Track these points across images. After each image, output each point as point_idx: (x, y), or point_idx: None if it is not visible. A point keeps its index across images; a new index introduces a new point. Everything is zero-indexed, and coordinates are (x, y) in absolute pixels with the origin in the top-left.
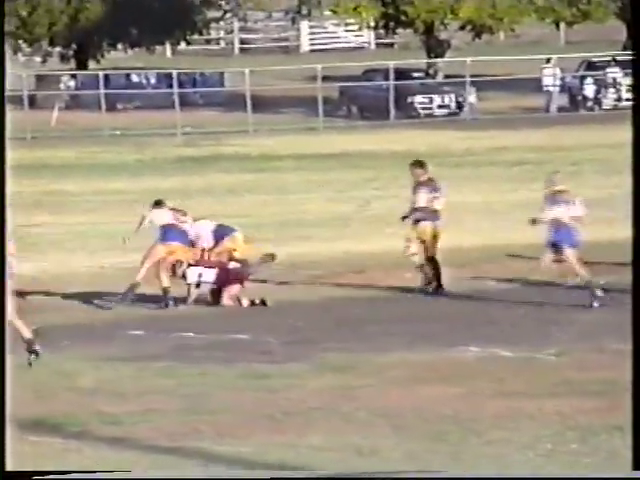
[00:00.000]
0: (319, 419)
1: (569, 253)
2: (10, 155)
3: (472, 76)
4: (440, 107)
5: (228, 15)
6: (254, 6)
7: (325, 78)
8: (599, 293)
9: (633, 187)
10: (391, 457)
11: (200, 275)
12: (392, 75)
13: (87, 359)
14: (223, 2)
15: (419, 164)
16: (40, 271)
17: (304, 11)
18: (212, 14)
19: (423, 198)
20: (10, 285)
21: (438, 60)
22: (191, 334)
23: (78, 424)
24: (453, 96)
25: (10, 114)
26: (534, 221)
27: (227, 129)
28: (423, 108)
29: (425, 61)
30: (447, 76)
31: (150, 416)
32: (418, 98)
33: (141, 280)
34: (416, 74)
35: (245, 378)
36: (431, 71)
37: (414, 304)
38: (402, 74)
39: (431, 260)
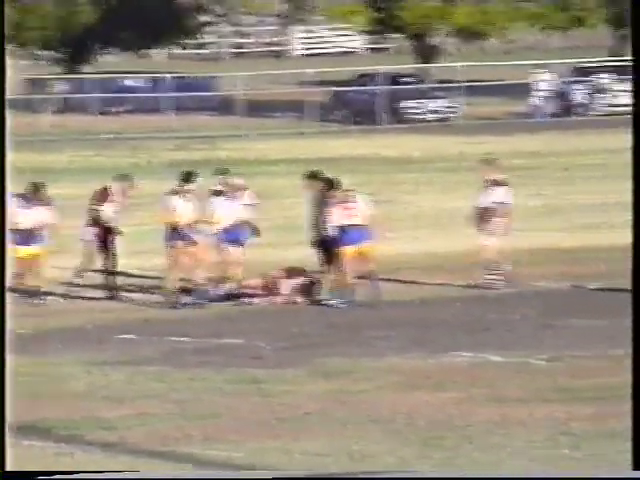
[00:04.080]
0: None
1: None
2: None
3: (464, 81)
4: (432, 112)
5: (221, 19)
6: (246, 10)
7: (317, 82)
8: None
9: (633, 190)
10: (384, 462)
11: None
12: (384, 80)
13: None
14: (216, 7)
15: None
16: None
17: (296, 16)
18: (205, 18)
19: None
20: None
21: (430, 65)
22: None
23: (71, 428)
24: (445, 101)
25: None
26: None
27: (220, 133)
28: (415, 113)
29: (417, 66)
30: (439, 81)
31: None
32: (410, 103)
33: None
34: (408, 79)
35: (238, 383)
36: (423, 76)
37: (408, 310)
38: (394, 79)
39: None
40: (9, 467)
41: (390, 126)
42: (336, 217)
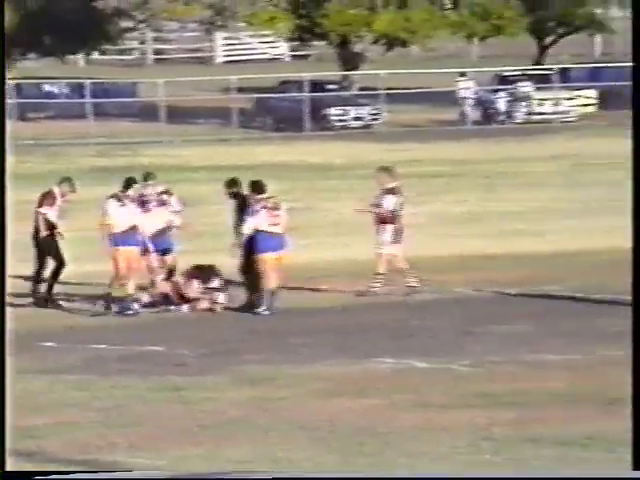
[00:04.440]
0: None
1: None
2: None
3: (387, 89)
4: (355, 119)
5: (142, 25)
6: (168, 16)
7: (240, 89)
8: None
9: (633, 190)
10: (307, 469)
11: None
12: (307, 87)
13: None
14: (136, 12)
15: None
16: None
17: (218, 22)
18: (125, 24)
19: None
20: None
21: (353, 72)
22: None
23: None
24: (368, 108)
25: None
26: None
27: (141, 139)
28: (338, 120)
29: (340, 73)
30: (362, 88)
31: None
32: (333, 110)
33: None
34: (331, 86)
35: (160, 390)
36: (346, 83)
37: (331, 317)
38: (317, 86)
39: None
40: (9, 467)
41: (313, 133)
42: (260, 222)
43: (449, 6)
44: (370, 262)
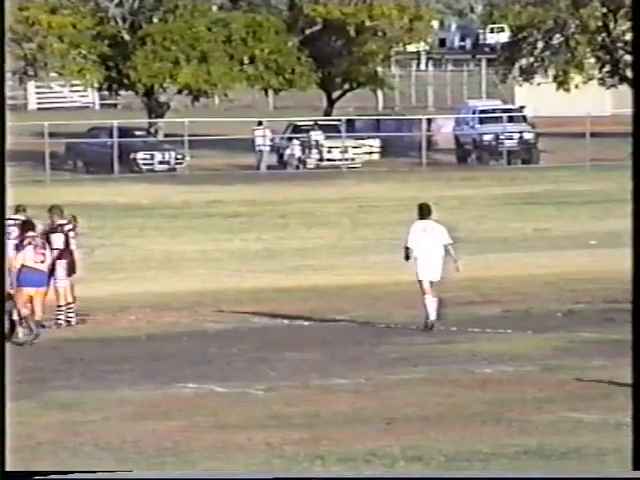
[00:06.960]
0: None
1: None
2: None
3: (190, 135)
4: (161, 163)
5: None
6: None
7: (52, 134)
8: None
9: (633, 191)
10: None
11: None
12: (116, 133)
13: None
14: None
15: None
16: None
17: (31, 72)
18: None
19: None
20: None
21: (158, 120)
22: None
23: None
24: (173, 153)
25: None
26: None
27: None
28: (145, 164)
29: (146, 121)
30: (167, 135)
31: None
32: (140, 154)
33: None
34: (138, 132)
35: None
36: (152, 130)
37: (138, 346)
38: (125, 132)
39: None
40: (9, 467)
41: (122, 175)
42: (27, 258)
43: (246, 61)
44: (176, 294)
